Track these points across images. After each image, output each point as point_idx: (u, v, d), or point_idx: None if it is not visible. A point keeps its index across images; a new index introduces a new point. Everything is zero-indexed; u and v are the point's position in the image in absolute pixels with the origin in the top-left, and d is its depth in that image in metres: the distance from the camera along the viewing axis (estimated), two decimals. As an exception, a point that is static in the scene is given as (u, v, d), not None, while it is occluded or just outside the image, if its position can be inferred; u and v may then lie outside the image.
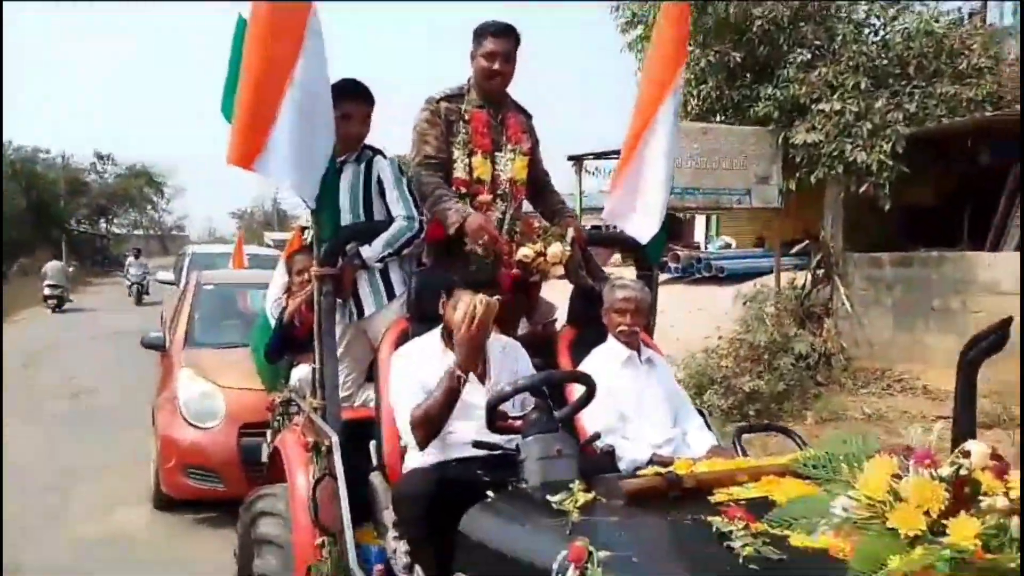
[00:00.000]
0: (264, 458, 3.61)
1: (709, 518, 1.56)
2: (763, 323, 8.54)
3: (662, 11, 3.40)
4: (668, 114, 3.29)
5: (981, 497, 1.44)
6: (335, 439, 2.53)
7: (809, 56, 9.29)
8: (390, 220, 2.92)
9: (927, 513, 1.45)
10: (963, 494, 1.47)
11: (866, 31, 9.30)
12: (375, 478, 2.58)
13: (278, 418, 3.37)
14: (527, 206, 3.35)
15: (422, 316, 2.72)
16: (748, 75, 9.81)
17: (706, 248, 15.16)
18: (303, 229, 3.34)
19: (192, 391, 4.98)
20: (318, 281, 2.76)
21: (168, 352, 5.73)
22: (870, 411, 7.32)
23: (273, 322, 3.37)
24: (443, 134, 3.06)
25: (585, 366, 2.87)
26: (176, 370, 5.25)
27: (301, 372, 3.19)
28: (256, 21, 2.57)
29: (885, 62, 8.59)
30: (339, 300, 2.88)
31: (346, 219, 2.92)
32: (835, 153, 8.49)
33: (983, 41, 8.49)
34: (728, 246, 14.34)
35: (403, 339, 2.70)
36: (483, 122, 3.08)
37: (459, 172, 3.05)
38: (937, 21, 8.73)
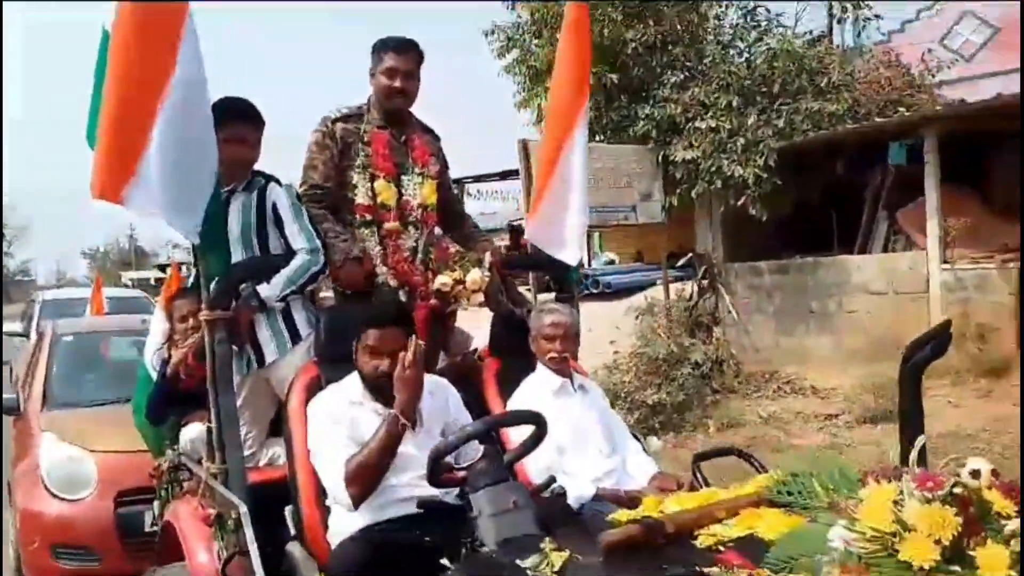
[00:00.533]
0: (148, 527, 3.15)
1: (706, 569, 1.38)
2: (658, 335, 8.66)
3: (565, 14, 3.28)
4: (583, 128, 3.17)
5: (993, 518, 1.35)
6: (244, 509, 2.19)
7: (682, 77, 9.59)
8: (290, 254, 2.62)
9: (938, 541, 1.33)
10: (971, 516, 1.36)
11: (732, 52, 9.71)
12: (294, 549, 2.26)
13: (165, 486, 2.96)
14: (439, 231, 3.12)
15: (334, 359, 2.43)
16: (624, 96, 10.03)
17: (590, 265, 15.37)
18: (181, 266, 2.96)
19: (56, 458, 4.36)
20: (209, 327, 2.41)
21: (24, 415, 5.02)
22: (765, 415, 7.52)
23: (155, 377, 2.96)
24: (333, 159, 2.81)
25: (517, 399, 2.67)
26: (35, 436, 4.59)
27: (192, 432, 2.80)
28: (121, 26, 2.21)
29: (750, 82, 8.97)
30: (235, 347, 2.54)
31: (237, 255, 2.60)
32: (713, 169, 8.76)
33: (839, 60, 9.02)
34: (612, 262, 14.61)
35: (315, 387, 2.40)
36: (385, 143, 2.84)
37: (360, 198, 2.79)
38: (796, 41, 9.22)
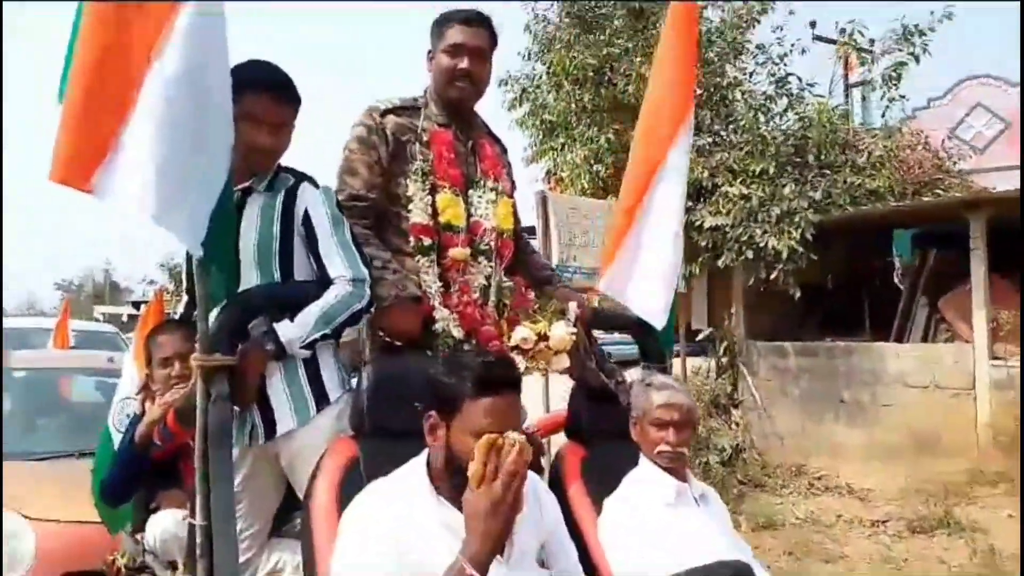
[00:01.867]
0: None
1: None
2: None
3: (669, 15, 2.68)
4: (683, 149, 2.54)
5: None
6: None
7: (709, 140, 9.13)
8: (323, 283, 1.90)
9: None
10: None
11: (763, 117, 9.29)
12: None
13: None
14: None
15: (381, 435, 1.70)
16: (646, 156, 9.54)
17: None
18: (164, 294, 2.22)
19: (-15, 526, 3.49)
20: (203, 376, 1.69)
21: (-44, 466, 4.16)
22: (802, 515, 6.73)
23: (118, 439, 2.18)
24: (381, 162, 2.15)
25: (618, 508, 1.94)
26: (-37, 494, 3.74)
27: (163, 523, 2.01)
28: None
29: (784, 149, 8.50)
30: (236, 408, 1.80)
31: (250, 278, 1.89)
32: (744, 238, 8.19)
33: (881, 135, 8.61)
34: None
35: (351, 474, 1.66)
36: (449, 145, 2.16)
37: (417, 215, 2.10)
38: (830, 111, 8.82)
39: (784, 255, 7.87)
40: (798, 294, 8.12)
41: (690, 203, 8.79)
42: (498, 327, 2.07)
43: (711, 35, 9.65)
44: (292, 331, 1.83)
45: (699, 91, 9.38)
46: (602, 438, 2.18)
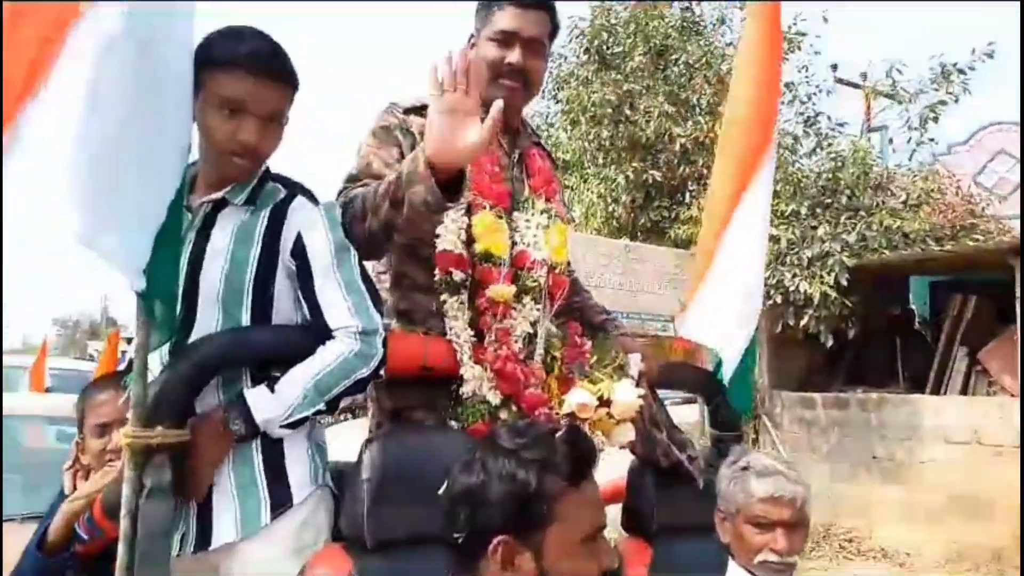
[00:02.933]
0: None
1: None
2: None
3: (749, 17, 2.27)
4: (769, 169, 2.12)
5: None
6: None
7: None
8: (320, 332, 1.38)
9: None
10: None
11: (791, 156, 8.89)
12: None
13: None
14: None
15: (385, 545, 1.19)
16: (665, 196, 9.16)
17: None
18: (120, 337, 1.75)
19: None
20: (134, 459, 1.19)
21: None
22: (840, 584, 6.14)
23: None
24: (400, 162, 1.63)
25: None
26: None
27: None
28: None
29: (815, 190, 8.06)
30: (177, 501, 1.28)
31: (209, 321, 1.36)
32: (771, 281, 7.71)
33: (914, 178, 8.19)
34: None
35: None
36: (491, 156, 1.67)
37: (447, 241, 1.60)
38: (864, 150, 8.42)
39: (816, 300, 7.39)
40: (830, 342, 7.62)
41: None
42: (546, 389, 1.57)
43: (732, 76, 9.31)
44: (270, 404, 1.30)
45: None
46: (674, 535, 1.67)
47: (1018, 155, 13.38)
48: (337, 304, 1.36)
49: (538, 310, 1.61)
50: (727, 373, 2.03)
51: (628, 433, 1.62)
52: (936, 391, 8.00)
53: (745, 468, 1.55)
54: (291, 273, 1.39)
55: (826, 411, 8.36)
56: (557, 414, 1.54)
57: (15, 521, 3.22)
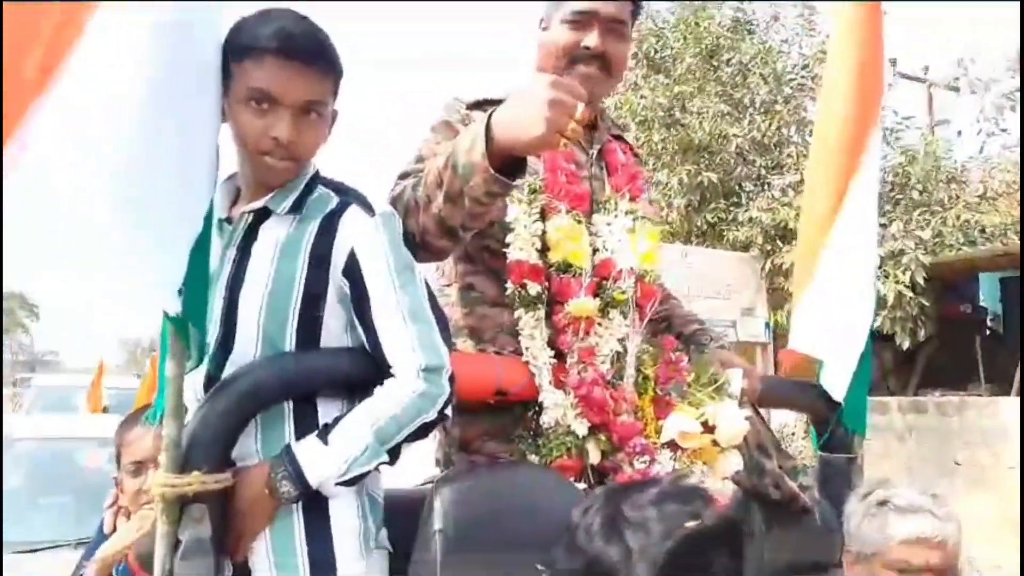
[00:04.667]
0: None
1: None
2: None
3: (839, 19, 2.03)
4: (873, 174, 1.89)
5: None
6: None
7: (797, 178, 8.36)
8: (374, 369, 1.18)
9: None
10: None
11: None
12: None
13: None
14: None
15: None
16: (721, 198, 8.86)
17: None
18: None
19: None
20: (166, 511, 1.03)
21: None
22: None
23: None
24: None
25: None
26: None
27: None
28: None
29: (887, 186, 7.67)
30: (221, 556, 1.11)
31: (251, 346, 1.18)
32: (841, 282, 7.34)
33: (994, 169, 7.74)
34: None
35: None
36: (567, 153, 1.48)
37: (520, 251, 1.41)
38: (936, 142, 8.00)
39: (891, 300, 7.01)
40: (907, 343, 7.22)
41: (783, 245, 8.03)
42: (640, 414, 1.36)
43: (793, 71, 9.01)
44: (325, 460, 1.10)
45: (783, 129, 8.71)
46: (793, 580, 1.44)
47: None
48: (398, 335, 1.16)
49: (626, 325, 1.41)
50: (840, 388, 1.80)
51: (735, 462, 1.40)
52: (1021, 393, 7.53)
53: (883, 503, 1.32)
54: (343, 295, 1.20)
55: (903, 415, 7.94)
56: (654, 444, 1.33)
57: (68, 546, 3.16)
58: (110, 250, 1.03)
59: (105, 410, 6.86)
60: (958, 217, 7.09)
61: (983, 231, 7.23)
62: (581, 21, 1.49)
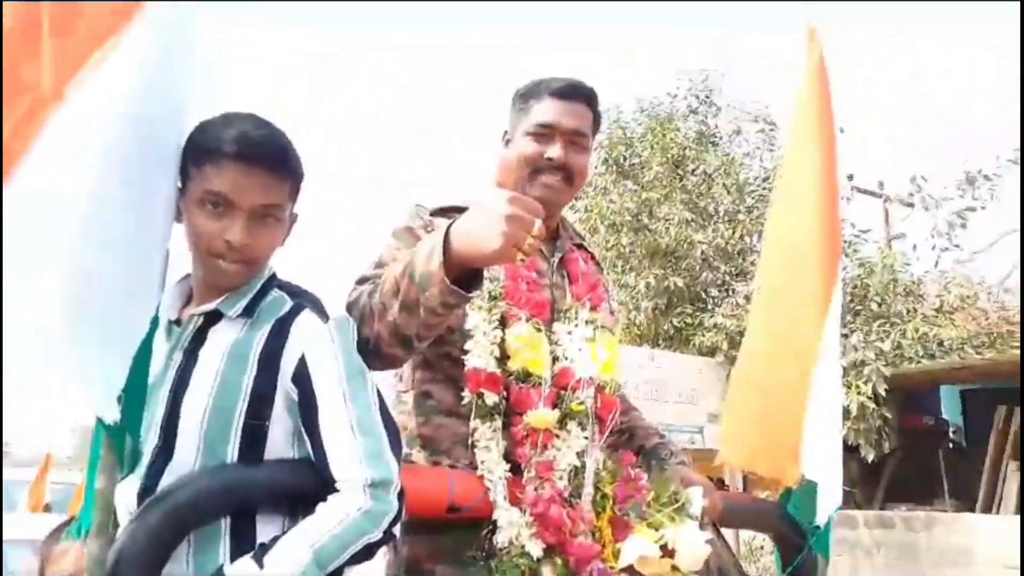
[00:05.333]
0: None
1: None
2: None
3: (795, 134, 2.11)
4: (839, 300, 1.93)
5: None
6: None
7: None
8: (319, 483, 1.13)
9: None
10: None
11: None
12: None
13: None
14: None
15: None
16: (687, 302, 9.00)
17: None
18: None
19: None
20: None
21: None
22: None
23: None
24: None
25: None
26: None
27: None
28: None
29: (848, 297, 7.85)
30: None
31: (190, 456, 1.12)
32: (803, 391, 7.38)
33: (947, 284, 8.00)
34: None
35: None
36: (528, 263, 1.48)
37: (477, 357, 1.38)
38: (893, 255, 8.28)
39: (854, 411, 7.04)
40: (871, 455, 7.21)
41: (737, 353, 8.10)
42: (597, 536, 1.31)
43: (755, 182, 9.36)
44: None
45: (745, 238, 8.96)
46: None
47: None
48: (345, 447, 1.11)
49: (585, 437, 1.37)
50: (829, 510, 1.78)
51: (693, 593, 1.35)
52: (987, 509, 7.49)
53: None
54: (291, 403, 1.15)
55: (869, 531, 7.81)
56: (612, 568, 1.27)
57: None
58: (58, 342, 0.99)
59: (47, 508, 6.49)
60: (916, 330, 7.24)
61: (941, 344, 7.38)
62: (545, 134, 1.53)
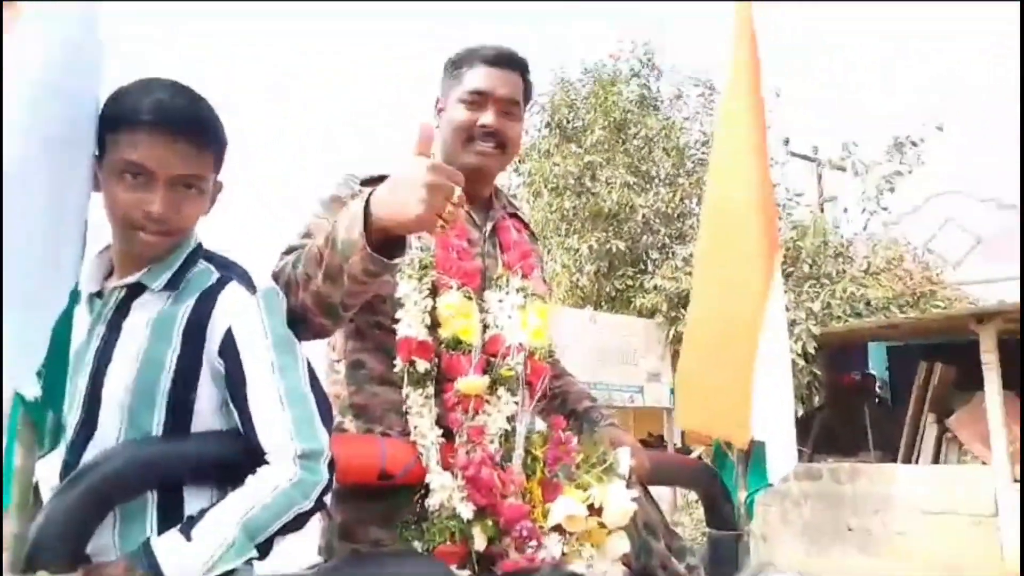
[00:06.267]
0: None
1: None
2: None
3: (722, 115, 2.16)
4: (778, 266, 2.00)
5: None
6: None
7: (694, 251, 8.72)
8: (247, 454, 1.12)
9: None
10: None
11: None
12: None
13: None
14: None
15: None
16: (629, 265, 9.13)
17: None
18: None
19: None
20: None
21: None
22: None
23: None
24: None
25: None
26: None
27: None
28: None
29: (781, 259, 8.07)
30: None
31: (113, 431, 1.11)
32: (738, 351, 7.62)
33: (876, 246, 8.29)
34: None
35: None
36: (459, 229, 1.49)
37: (408, 326, 1.39)
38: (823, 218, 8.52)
39: (784, 370, 7.31)
40: (800, 411, 7.50)
41: (676, 314, 8.28)
42: (527, 497, 1.35)
43: (692, 148, 9.48)
44: (185, 556, 1.02)
45: (685, 201, 9.11)
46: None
47: (965, 223, 13.85)
48: (273, 419, 1.10)
49: (515, 403, 1.40)
50: (783, 469, 1.87)
51: (623, 544, 1.40)
52: (908, 459, 7.90)
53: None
54: (217, 375, 1.14)
55: (798, 483, 8.18)
56: (541, 528, 1.32)
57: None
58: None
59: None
60: (845, 290, 7.51)
61: (868, 304, 7.67)
62: (477, 101, 1.53)
